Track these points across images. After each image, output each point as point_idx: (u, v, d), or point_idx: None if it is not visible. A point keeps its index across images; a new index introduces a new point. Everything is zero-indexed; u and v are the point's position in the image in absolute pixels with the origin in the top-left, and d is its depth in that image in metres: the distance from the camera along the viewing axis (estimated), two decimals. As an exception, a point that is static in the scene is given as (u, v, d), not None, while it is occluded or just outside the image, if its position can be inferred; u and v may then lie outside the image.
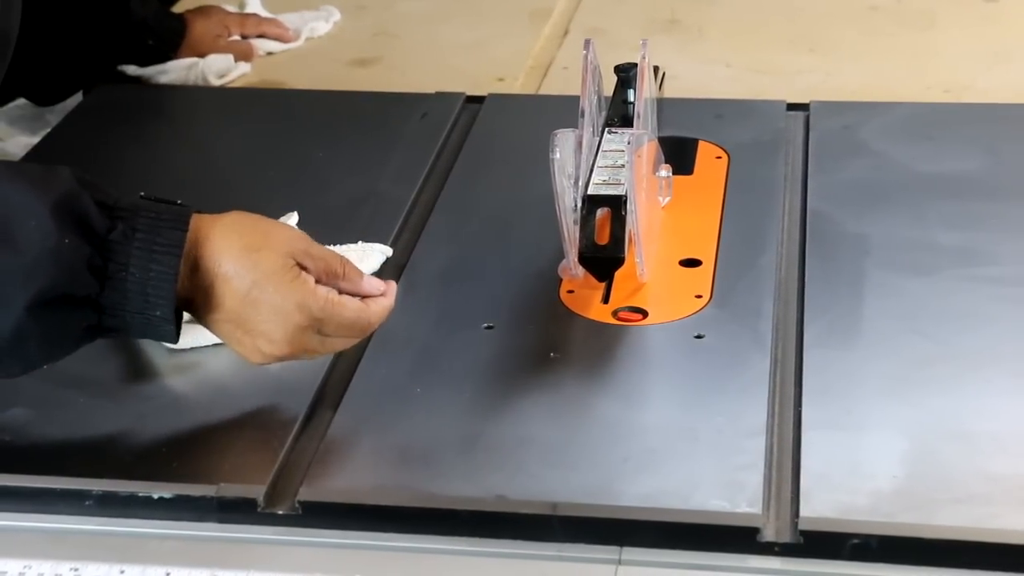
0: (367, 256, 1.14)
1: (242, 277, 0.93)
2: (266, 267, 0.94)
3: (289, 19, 1.69)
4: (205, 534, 0.91)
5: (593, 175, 1.09)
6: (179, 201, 0.95)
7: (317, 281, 0.96)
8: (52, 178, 0.92)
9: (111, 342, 1.05)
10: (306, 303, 0.94)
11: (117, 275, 0.92)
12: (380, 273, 1.14)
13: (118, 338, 1.00)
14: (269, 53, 1.65)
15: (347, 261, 0.99)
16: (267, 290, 0.94)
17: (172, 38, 1.59)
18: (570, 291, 1.11)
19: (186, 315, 1.00)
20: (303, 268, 0.95)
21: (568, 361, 1.03)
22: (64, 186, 0.92)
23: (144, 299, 0.92)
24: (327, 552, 0.89)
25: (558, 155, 1.07)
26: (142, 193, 0.95)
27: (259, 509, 0.91)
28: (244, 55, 1.62)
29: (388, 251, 1.16)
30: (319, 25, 1.70)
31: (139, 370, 1.04)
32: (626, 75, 1.19)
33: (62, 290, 0.90)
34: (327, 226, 1.13)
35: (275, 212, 1.08)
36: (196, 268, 0.94)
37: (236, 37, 1.64)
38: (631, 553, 0.88)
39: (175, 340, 0.95)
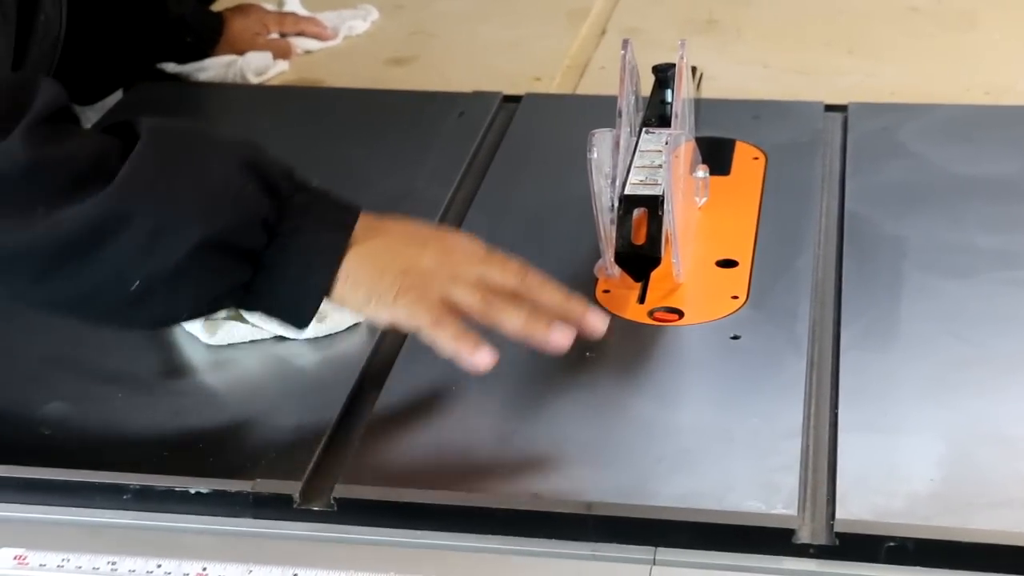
0: None
1: (395, 221, 0.99)
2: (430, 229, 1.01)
3: (327, 17, 1.70)
4: (241, 529, 0.91)
5: (630, 175, 1.09)
6: None
7: None
8: (250, 145, 0.97)
9: (153, 336, 1.06)
10: (478, 248, 0.99)
11: (287, 235, 0.94)
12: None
13: (258, 309, 1.00)
14: (307, 51, 1.66)
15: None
16: (443, 237, 1.00)
17: (211, 36, 1.60)
18: (606, 291, 1.11)
19: (220, 314, 1.02)
20: None
21: (604, 361, 1.03)
22: (259, 151, 0.96)
23: (306, 265, 0.94)
24: (362, 549, 0.89)
25: (595, 155, 1.07)
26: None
27: (295, 505, 0.92)
28: (282, 53, 1.62)
29: None
30: (357, 24, 1.70)
31: (176, 366, 1.05)
32: (664, 75, 1.19)
33: (232, 238, 0.93)
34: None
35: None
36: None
37: (274, 35, 1.64)
38: (666, 553, 0.88)
39: (308, 320, 0.97)
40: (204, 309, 0.98)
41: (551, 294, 0.99)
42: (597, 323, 0.98)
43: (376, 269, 0.96)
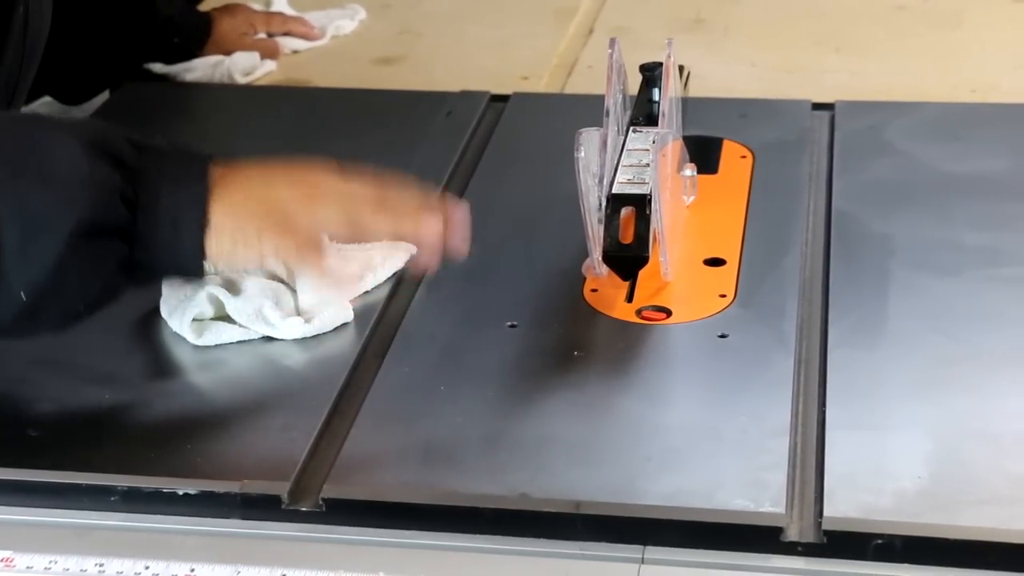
0: (391, 255, 1.14)
1: (267, 168, 0.98)
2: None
3: (315, 17, 1.70)
4: (229, 530, 0.91)
5: (618, 174, 1.09)
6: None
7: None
8: (84, 123, 0.97)
9: (141, 337, 1.06)
10: (364, 185, 0.98)
11: (149, 204, 0.93)
12: (404, 271, 1.14)
13: (149, 280, 1.00)
14: (295, 51, 1.66)
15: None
16: (307, 169, 0.98)
17: (198, 36, 1.60)
18: (594, 290, 1.11)
19: (208, 315, 1.01)
20: None
21: (592, 360, 1.03)
22: (95, 127, 0.95)
23: (176, 231, 0.94)
24: (350, 549, 0.89)
25: (583, 154, 1.07)
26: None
27: (283, 506, 0.91)
28: (270, 53, 1.62)
29: (413, 249, 1.16)
30: (344, 23, 1.70)
31: (164, 367, 1.05)
32: (651, 74, 1.19)
33: (99, 220, 0.92)
34: (352, 224, 1.13)
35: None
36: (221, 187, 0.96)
37: (262, 35, 1.64)
38: (654, 552, 0.88)
39: (201, 273, 0.96)
40: (100, 298, 0.96)
41: (410, 200, 1.01)
42: (460, 220, 1.02)
43: (238, 215, 0.96)
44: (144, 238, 0.94)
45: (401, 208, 1.00)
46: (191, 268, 0.95)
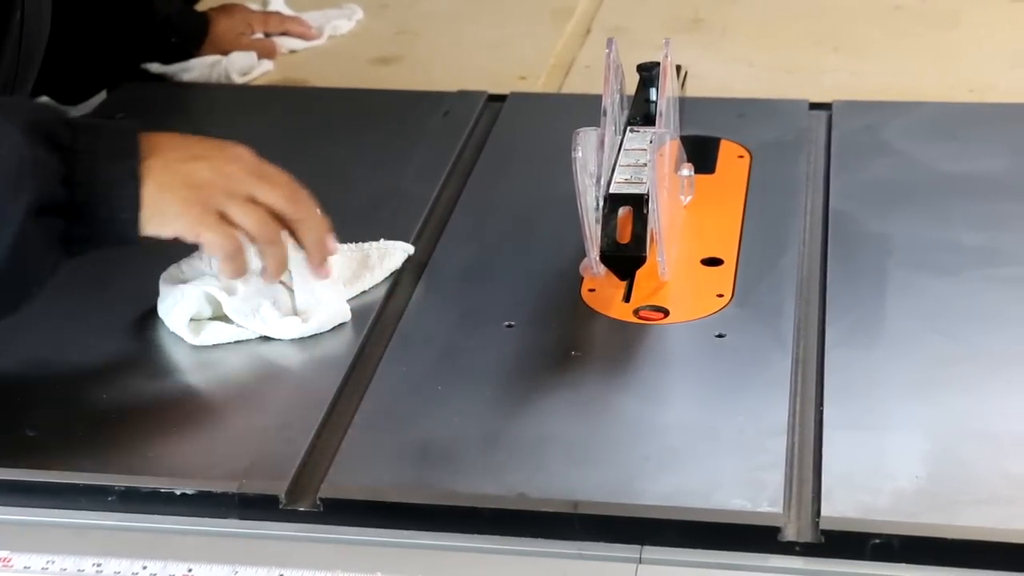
0: (388, 254, 1.14)
1: (183, 137, 1.04)
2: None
3: (312, 17, 1.70)
4: (227, 530, 0.91)
5: (615, 174, 1.09)
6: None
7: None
8: (18, 103, 1.01)
9: (139, 336, 1.06)
10: (248, 153, 1.03)
11: (85, 184, 0.97)
12: (401, 271, 1.14)
13: (88, 251, 1.02)
14: (292, 51, 1.65)
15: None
16: (210, 141, 1.04)
17: (195, 36, 1.60)
18: (591, 290, 1.11)
19: (205, 314, 1.02)
20: None
21: (589, 360, 1.03)
22: (31, 108, 0.99)
23: (110, 206, 0.98)
24: (348, 549, 0.89)
25: (580, 154, 1.07)
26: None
27: (280, 506, 0.91)
28: (267, 53, 1.62)
29: (410, 249, 1.16)
30: (342, 23, 1.70)
31: (161, 367, 1.05)
32: (648, 74, 1.19)
33: (43, 202, 0.96)
34: (349, 224, 1.13)
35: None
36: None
37: (259, 35, 1.64)
38: (652, 552, 0.88)
39: (138, 242, 1.00)
40: (37, 270, 1.00)
41: (314, 230, 1.06)
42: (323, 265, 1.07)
43: (157, 187, 1.00)
44: (82, 214, 0.98)
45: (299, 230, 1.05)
46: (128, 238, 1.00)
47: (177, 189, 1.00)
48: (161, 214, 1.00)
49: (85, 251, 1.02)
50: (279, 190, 1.05)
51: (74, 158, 0.98)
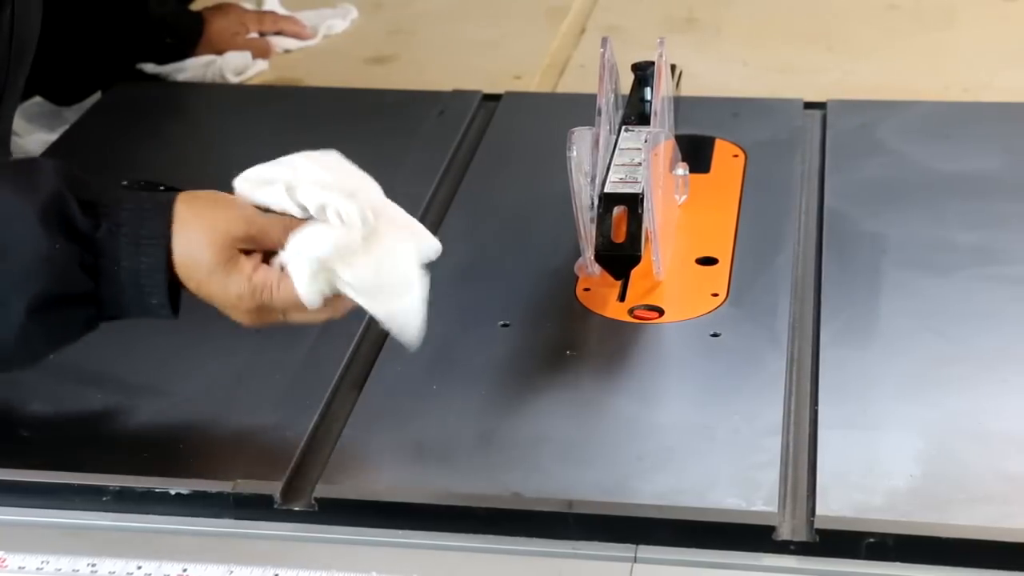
0: (416, 235, 1.02)
1: (191, 277, 0.94)
2: (205, 266, 0.94)
3: (307, 16, 1.70)
4: (222, 530, 0.91)
5: (610, 173, 1.09)
6: (162, 187, 0.96)
7: (267, 258, 0.95)
8: (36, 181, 0.93)
9: (132, 337, 1.06)
10: (242, 295, 0.94)
11: (109, 270, 0.93)
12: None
13: (120, 319, 0.98)
14: (286, 51, 1.65)
15: (290, 228, 0.95)
16: (210, 287, 0.94)
17: (190, 36, 1.60)
18: (586, 289, 1.11)
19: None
20: (247, 251, 0.95)
21: (584, 359, 1.03)
22: (48, 188, 0.93)
23: (139, 290, 0.94)
24: (343, 548, 0.89)
25: (575, 153, 1.07)
26: (124, 181, 0.96)
27: (275, 505, 0.91)
28: (262, 52, 1.62)
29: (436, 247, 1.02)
30: (336, 23, 1.70)
31: (155, 366, 1.05)
32: (643, 73, 1.19)
33: (58, 291, 0.92)
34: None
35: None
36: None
37: (254, 34, 1.64)
38: (647, 551, 0.88)
39: (175, 317, 0.96)
40: (71, 342, 0.97)
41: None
42: None
43: (199, 268, 0.94)
44: (109, 300, 0.94)
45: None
46: (160, 316, 0.95)
47: (210, 272, 0.94)
48: (196, 287, 0.94)
49: (119, 319, 0.98)
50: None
51: (95, 246, 0.93)
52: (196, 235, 0.94)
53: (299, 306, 0.95)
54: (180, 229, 0.94)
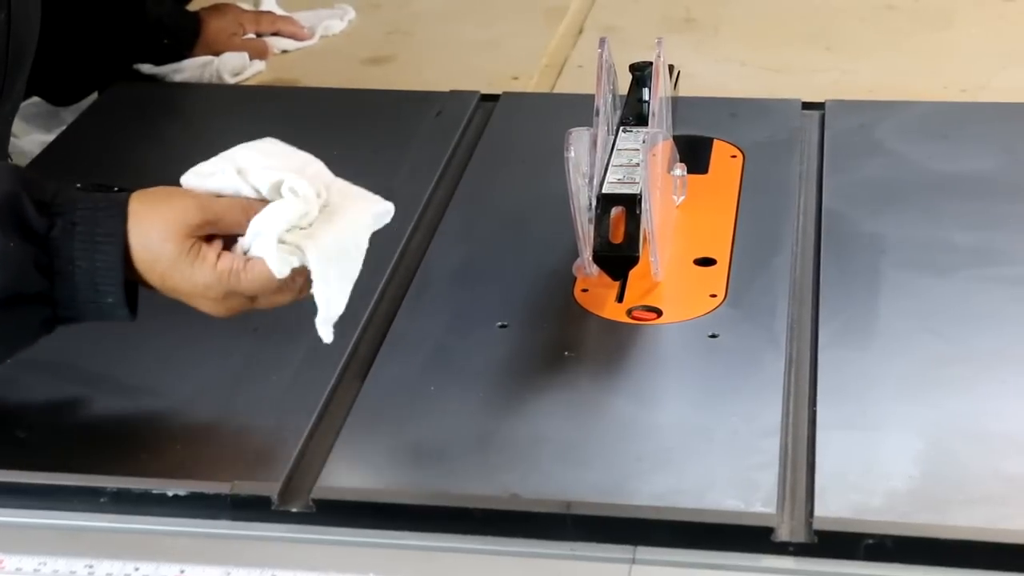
0: (369, 201, 1.02)
1: (152, 271, 0.95)
2: (167, 259, 0.94)
3: (304, 17, 1.69)
4: (219, 531, 0.91)
5: (608, 174, 1.09)
6: (116, 188, 0.97)
7: (227, 245, 0.95)
8: None
9: (131, 338, 1.06)
10: (209, 284, 0.94)
11: (64, 270, 0.94)
12: (395, 272, 1.14)
13: (72, 323, 0.98)
14: (284, 51, 1.65)
15: (248, 209, 0.95)
16: (175, 279, 0.95)
17: (187, 36, 1.60)
18: (584, 290, 1.11)
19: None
20: (207, 239, 0.95)
21: (582, 360, 1.03)
22: (2, 188, 0.93)
23: (94, 289, 0.94)
24: (341, 550, 0.89)
25: (573, 154, 1.06)
26: (79, 184, 0.97)
27: (273, 507, 0.91)
28: (259, 53, 1.62)
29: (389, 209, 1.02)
30: (334, 23, 1.70)
31: (153, 368, 1.04)
32: (641, 74, 1.19)
33: (13, 290, 0.93)
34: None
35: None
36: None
37: (251, 35, 1.64)
38: (645, 552, 0.88)
39: (132, 320, 0.96)
40: (26, 346, 0.97)
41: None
42: None
43: (157, 264, 0.94)
44: (65, 300, 0.94)
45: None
46: (116, 317, 0.96)
47: (170, 270, 0.94)
48: (158, 283, 0.95)
49: (72, 323, 0.98)
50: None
51: (50, 246, 0.93)
52: (153, 229, 0.94)
53: (267, 288, 0.95)
54: (136, 225, 0.94)
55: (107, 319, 0.96)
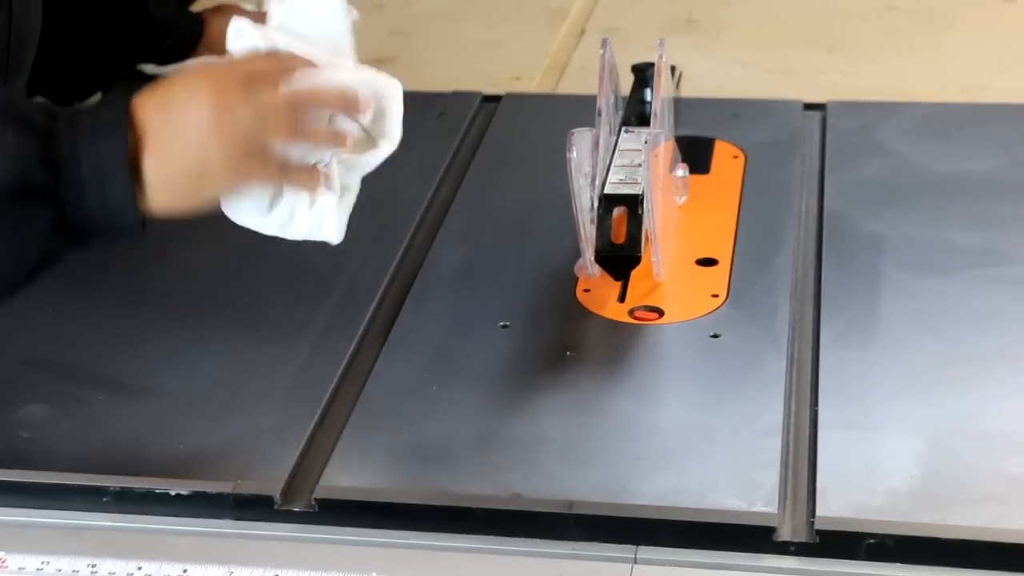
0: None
1: (167, 107, 0.95)
2: (179, 80, 0.99)
3: (307, 18, 1.69)
4: (222, 531, 0.91)
5: (610, 174, 1.09)
6: None
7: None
8: None
9: (132, 337, 1.06)
10: (230, 63, 0.99)
11: (70, 163, 0.92)
12: (396, 272, 1.14)
13: (87, 239, 0.96)
14: (286, 52, 1.65)
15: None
16: (193, 82, 0.99)
17: (190, 37, 1.60)
18: (586, 290, 1.11)
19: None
20: None
21: (584, 360, 1.03)
22: (3, 95, 0.94)
23: (100, 180, 0.92)
24: (343, 549, 0.89)
25: (575, 154, 1.07)
26: None
27: (276, 506, 0.91)
28: (262, 54, 1.62)
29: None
30: (337, 24, 1.70)
31: (155, 367, 1.05)
32: (643, 74, 1.19)
33: (18, 183, 0.91)
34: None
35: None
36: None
37: (254, 36, 1.64)
38: (647, 552, 0.88)
39: (140, 227, 0.94)
40: (39, 262, 0.95)
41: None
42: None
43: (169, 159, 0.93)
44: (71, 197, 0.92)
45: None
46: (126, 220, 0.93)
47: (182, 160, 0.93)
48: (168, 190, 0.93)
49: (86, 239, 0.95)
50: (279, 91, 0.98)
51: (53, 138, 0.92)
52: (161, 92, 0.95)
53: (288, 62, 1.00)
54: (141, 103, 0.94)
55: (117, 228, 0.93)
